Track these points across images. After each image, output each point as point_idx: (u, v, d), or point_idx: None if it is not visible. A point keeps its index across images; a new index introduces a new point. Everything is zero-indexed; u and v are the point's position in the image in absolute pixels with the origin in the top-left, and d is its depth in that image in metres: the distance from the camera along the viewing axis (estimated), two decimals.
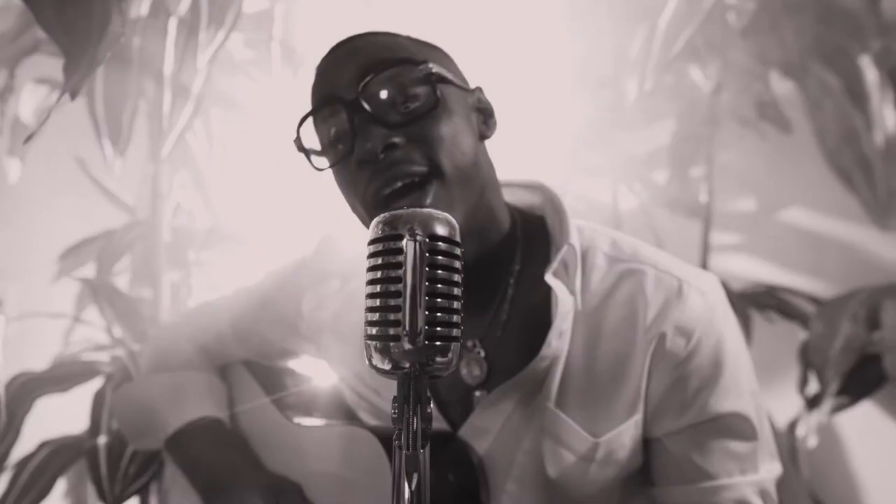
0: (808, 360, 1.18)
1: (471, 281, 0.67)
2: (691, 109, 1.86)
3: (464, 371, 0.75)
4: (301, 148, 0.68)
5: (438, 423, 0.75)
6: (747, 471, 0.71)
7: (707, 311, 0.71)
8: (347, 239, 0.83)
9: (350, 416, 0.84)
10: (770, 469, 0.74)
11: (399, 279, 0.41)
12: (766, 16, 1.46)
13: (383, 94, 0.63)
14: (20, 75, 1.40)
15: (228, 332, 0.91)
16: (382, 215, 0.43)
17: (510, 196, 0.78)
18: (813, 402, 1.16)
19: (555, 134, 1.83)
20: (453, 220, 0.44)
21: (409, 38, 0.70)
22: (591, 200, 1.96)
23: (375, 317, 0.42)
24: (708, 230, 1.77)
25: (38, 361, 1.44)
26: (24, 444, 1.29)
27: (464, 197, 0.66)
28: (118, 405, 0.99)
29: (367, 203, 0.66)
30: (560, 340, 0.70)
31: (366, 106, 0.63)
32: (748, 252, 1.89)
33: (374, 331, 0.42)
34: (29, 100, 1.45)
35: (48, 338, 1.57)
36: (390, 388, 0.74)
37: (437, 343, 0.41)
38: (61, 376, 1.30)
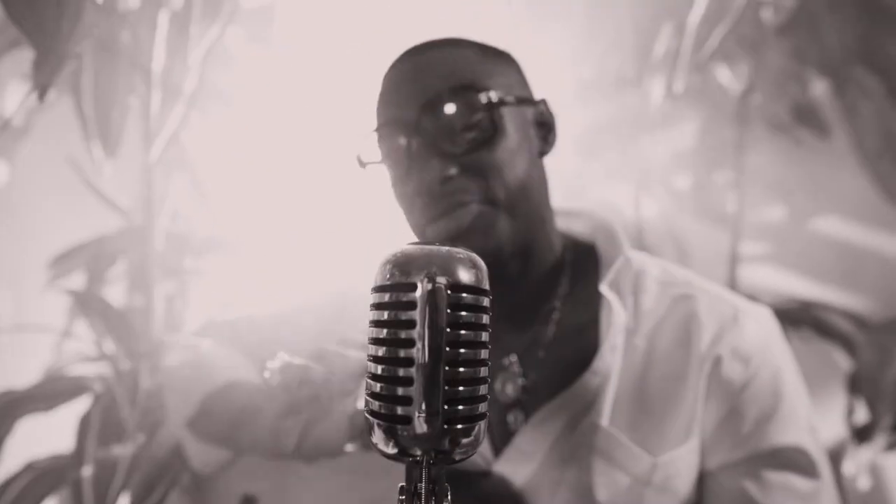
0: (857, 388, 1.07)
1: (515, 298, 0.69)
2: (718, 111, 1.76)
3: (497, 387, 0.71)
4: (361, 163, 0.69)
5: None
6: None
7: (764, 340, 0.70)
8: None
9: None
10: None
11: (411, 342, 0.32)
12: (806, 12, 1.35)
13: (442, 124, 0.63)
14: (4, 71, 1.31)
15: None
16: (393, 253, 0.34)
17: (558, 223, 0.77)
18: (861, 435, 1.05)
19: (571, 136, 1.74)
20: (479, 261, 0.35)
21: (476, 50, 0.68)
22: (613, 207, 1.86)
23: (378, 388, 0.32)
24: (737, 240, 1.66)
25: (31, 374, 1.36)
26: (9, 466, 1.21)
27: (512, 218, 0.66)
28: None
29: (419, 228, 0.67)
30: (613, 356, 0.68)
31: (424, 134, 0.63)
32: (778, 263, 1.78)
33: (377, 406, 0.32)
34: (14, 96, 1.37)
35: (42, 348, 1.49)
36: None
37: (459, 427, 0.32)
38: (46, 394, 1.21)
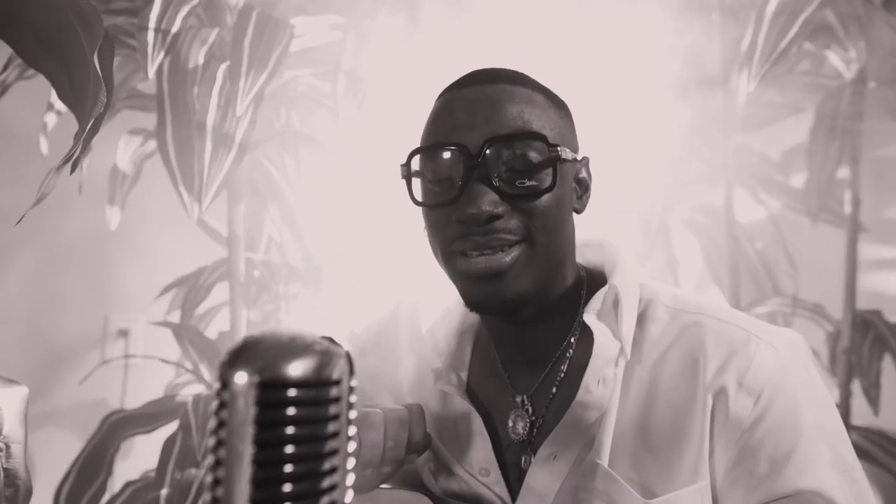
0: None
1: (529, 339, 0.70)
2: (832, 101, 1.56)
3: (509, 425, 0.71)
4: (407, 176, 0.68)
5: (498, 488, 0.70)
6: None
7: (779, 368, 0.63)
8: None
9: (417, 484, 0.77)
10: None
11: (223, 444, 0.32)
12: None
13: (506, 162, 0.64)
14: (116, 126, 1.48)
15: None
16: (232, 347, 0.34)
17: (578, 256, 0.75)
18: None
19: (662, 139, 1.63)
20: (334, 349, 0.34)
21: (544, 95, 0.68)
22: (709, 211, 1.71)
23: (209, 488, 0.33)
24: (855, 243, 1.46)
25: (156, 394, 1.48)
26: (119, 482, 1.36)
27: (546, 264, 0.66)
28: None
29: (445, 248, 0.66)
30: (603, 388, 0.66)
31: (485, 165, 0.63)
32: None
33: None
34: (125, 149, 1.54)
35: (168, 373, 1.62)
36: (469, 460, 0.72)
37: None
38: (149, 416, 1.35)
